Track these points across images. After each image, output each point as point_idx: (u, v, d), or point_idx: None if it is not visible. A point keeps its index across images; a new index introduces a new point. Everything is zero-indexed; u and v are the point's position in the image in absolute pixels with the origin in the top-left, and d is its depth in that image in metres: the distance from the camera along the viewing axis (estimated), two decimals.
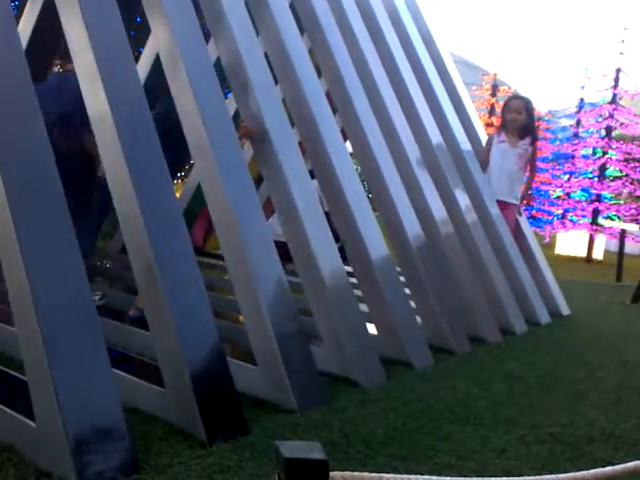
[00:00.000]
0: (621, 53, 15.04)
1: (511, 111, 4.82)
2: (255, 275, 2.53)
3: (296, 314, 2.64)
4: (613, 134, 15.23)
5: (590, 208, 14.86)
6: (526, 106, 4.84)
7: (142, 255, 2.25)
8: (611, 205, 15.24)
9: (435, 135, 4.40)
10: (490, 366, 3.28)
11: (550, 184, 16.46)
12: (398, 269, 3.62)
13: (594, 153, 15.47)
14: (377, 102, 3.93)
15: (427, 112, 4.46)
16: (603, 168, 15.09)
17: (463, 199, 4.34)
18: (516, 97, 5.26)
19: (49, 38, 3.76)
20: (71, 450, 1.71)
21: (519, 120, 4.78)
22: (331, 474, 0.83)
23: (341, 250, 3.22)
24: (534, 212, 16.19)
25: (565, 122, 17.34)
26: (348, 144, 3.93)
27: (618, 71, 15.10)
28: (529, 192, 5.16)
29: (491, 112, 18.86)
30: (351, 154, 3.63)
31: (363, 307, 3.32)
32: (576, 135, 16.31)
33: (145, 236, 2.19)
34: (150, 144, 2.39)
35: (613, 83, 15.15)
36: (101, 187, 3.06)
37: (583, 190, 15.38)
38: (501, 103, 20.13)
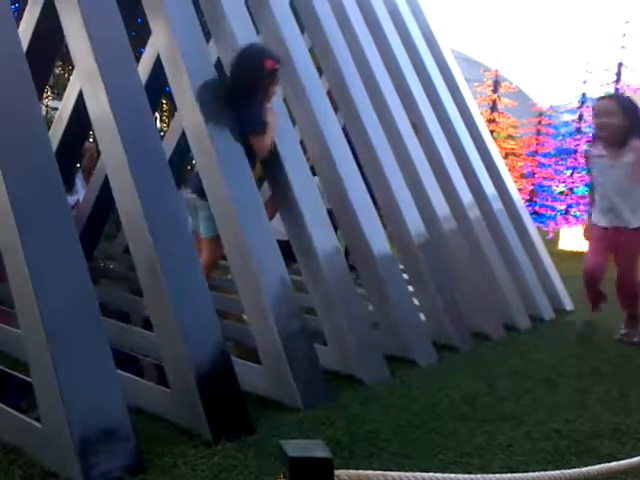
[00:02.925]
0: (623, 47, 15.00)
1: (599, 115, 3.74)
2: (258, 274, 2.53)
3: (300, 313, 2.65)
4: None
5: None
6: (620, 105, 3.69)
7: (146, 256, 2.25)
8: None
9: (436, 131, 4.40)
10: (494, 362, 3.28)
11: (553, 179, 16.43)
12: (401, 266, 3.62)
13: None
14: (378, 99, 3.93)
15: (428, 109, 4.45)
16: None
17: (466, 195, 4.33)
18: (604, 97, 4.05)
19: (50, 40, 3.76)
20: (77, 451, 1.71)
21: (610, 125, 3.67)
22: (336, 472, 0.83)
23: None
24: (537, 208, 16.17)
25: (567, 117, 17.30)
26: None
27: (620, 65, 15.06)
28: None
29: (493, 108, 18.80)
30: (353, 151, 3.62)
31: (367, 305, 3.32)
32: (578, 130, 16.27)
33: (148, 237, 2.19)
34: (152, 145, 2.40)
35: (615, 77, 15.11)
36: None
37: (586, 185, 15.33)
38: (503, 99, 19.67)
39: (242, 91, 2.85)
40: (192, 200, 3.24)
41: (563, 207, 15.76)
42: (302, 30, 3.68)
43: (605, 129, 3.71)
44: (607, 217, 3.84)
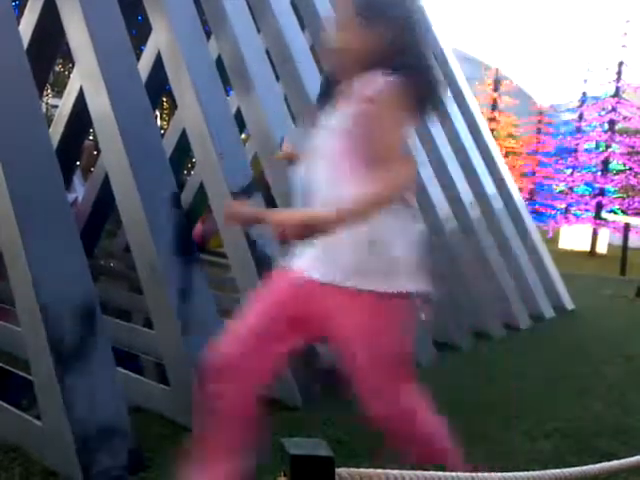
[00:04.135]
0: (624, 46, 15.00)
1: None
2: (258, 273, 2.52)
3: None
4: (616, 127, 15.20)
5: (593, 202, 14.84)
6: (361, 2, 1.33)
7: (146, 254, 2.25)
8: (614, 199, 15.21)
9: (437, 131, 4.39)
10: (495, 362, 3.28)
11: (553, 178, 16.44)
12: None
13: (597, 147, 15.45)
14: None
15: None
16: (606, 162, 15.07)
17: (467, 195, 4.33)
18: None
19: (50, 37, 3.76)
20: (77, 449, 1.71)
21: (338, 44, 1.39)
22: (337, 471, 0.83)
23: None
24: (537, 207, 16.18)
25: (568, 116, 17.30)
26: None
27: (621, 64, 15.06)
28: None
29: (493, 107, 18.81)
30: None
31: None
32: (579, 129, 16.28)
33: (149, 236, 2.19)
34: (152, 143, 2.40)
35: (616, 76, 15.11)
36: None
37: (586, 184, 15.36)
38: (504, 98, 19.65)
39: None
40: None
41: (563, 206, 15.77)
42: (303, 27, 3.68)
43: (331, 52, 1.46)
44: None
